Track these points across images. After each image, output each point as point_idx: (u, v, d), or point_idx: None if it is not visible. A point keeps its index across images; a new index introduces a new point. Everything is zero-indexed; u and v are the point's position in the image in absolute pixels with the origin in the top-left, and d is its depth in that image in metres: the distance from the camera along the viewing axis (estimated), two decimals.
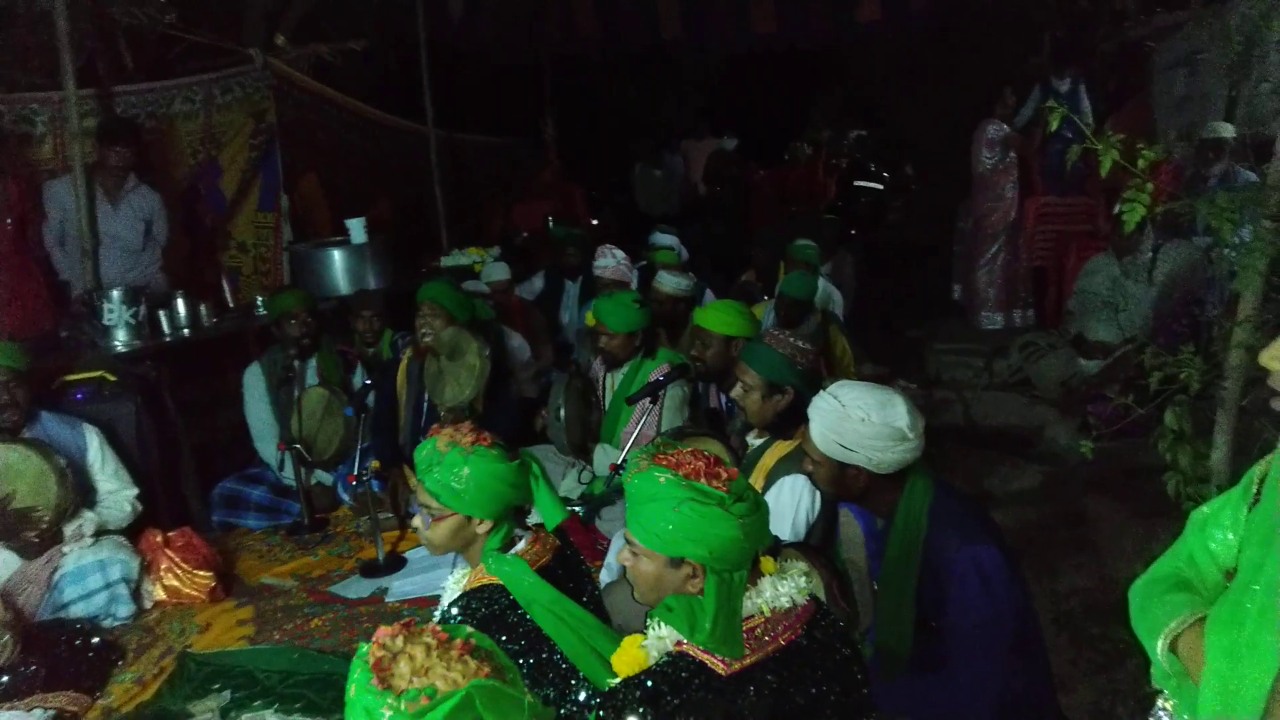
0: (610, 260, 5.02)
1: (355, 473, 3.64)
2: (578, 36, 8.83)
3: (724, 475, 1.60)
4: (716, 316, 3.51)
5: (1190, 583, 1.28)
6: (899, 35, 9.56)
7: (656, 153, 9.90)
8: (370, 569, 3.60)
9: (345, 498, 4.14)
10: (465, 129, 7.89)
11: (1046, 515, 3.96)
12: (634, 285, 5.09)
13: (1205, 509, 1.32)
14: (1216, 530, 1.28)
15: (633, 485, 1.63)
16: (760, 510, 1.62)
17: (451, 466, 1.89)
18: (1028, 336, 5.74)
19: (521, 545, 1.98)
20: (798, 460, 2.61)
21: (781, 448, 2.69)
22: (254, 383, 4.23)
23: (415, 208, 7.05)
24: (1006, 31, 8.42)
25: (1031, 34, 7.68)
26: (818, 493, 2.58)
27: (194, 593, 3.44)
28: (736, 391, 2.75)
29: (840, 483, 2.12)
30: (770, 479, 2.62)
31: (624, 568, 1.70)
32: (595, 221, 9.25)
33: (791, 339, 2.72)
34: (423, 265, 6.41)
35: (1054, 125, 1.97)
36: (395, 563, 3.63)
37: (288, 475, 4.11)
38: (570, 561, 2.08)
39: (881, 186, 11.52)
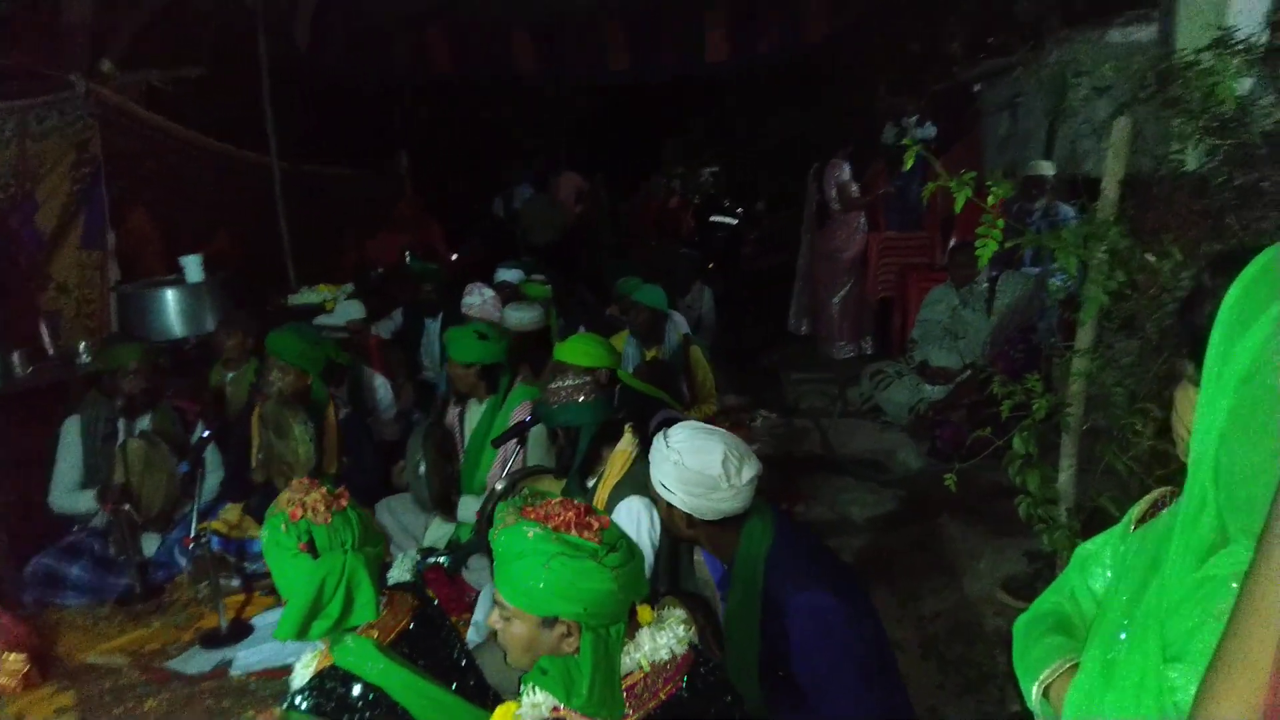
0: (477, 298, 4.88)
1: (192, 534, 3.35)
2: (430, 66, 8.70)
3: (595, 525, 1.54)
4: (576, 349, 3.43)
5: (1071, 620, 1.30)
6: (745, 75, 9.96)
7: (540, 175, 9.64)
8: (212, 639, 3.30)
9: (182, 562, 3.79)
10: (314, 160, 7.55)
11: (904, 539, 4.08)
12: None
13: (1089, 545, 1.33)
14: (1097, 567, 1.30)
15: (500, 542, 1.54)
16: (635, 559, 1.56)
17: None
18: (876, 365, 5.96)
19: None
20: (629, 484, 2.58)
21: (612, 475, 2.65)
22: (70, 438, 3.84)
23: (259, 243, 6.66)
24: (844, 73, 8.90)
25: (869, 76, 8.14)
26: (655, 512, 2.54)
27: (3, 680, 3.05)
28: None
29: (669, 521, 2.09)
30: (608, 506, 2.58)
31: (494, 630, 1.60)
32: (455, 256, 9.03)
33: (555, 384, 2.70)
34: (269, 304, 6.05)
35: (908, 164, 2.03)
36: (240, 631, 3.34)
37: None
38: (432, 620, 1.94)
39: (735, 221, 11.85)
